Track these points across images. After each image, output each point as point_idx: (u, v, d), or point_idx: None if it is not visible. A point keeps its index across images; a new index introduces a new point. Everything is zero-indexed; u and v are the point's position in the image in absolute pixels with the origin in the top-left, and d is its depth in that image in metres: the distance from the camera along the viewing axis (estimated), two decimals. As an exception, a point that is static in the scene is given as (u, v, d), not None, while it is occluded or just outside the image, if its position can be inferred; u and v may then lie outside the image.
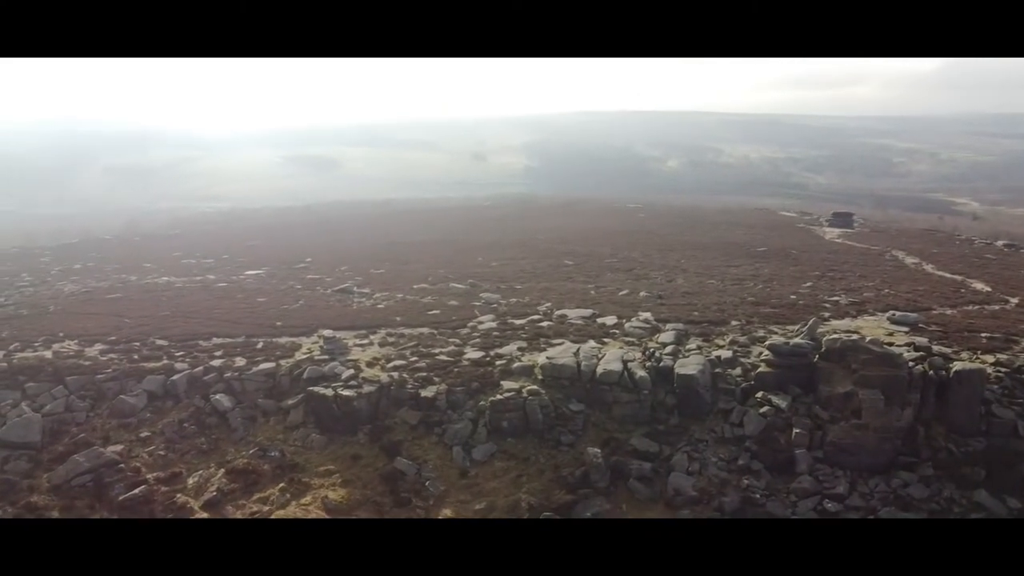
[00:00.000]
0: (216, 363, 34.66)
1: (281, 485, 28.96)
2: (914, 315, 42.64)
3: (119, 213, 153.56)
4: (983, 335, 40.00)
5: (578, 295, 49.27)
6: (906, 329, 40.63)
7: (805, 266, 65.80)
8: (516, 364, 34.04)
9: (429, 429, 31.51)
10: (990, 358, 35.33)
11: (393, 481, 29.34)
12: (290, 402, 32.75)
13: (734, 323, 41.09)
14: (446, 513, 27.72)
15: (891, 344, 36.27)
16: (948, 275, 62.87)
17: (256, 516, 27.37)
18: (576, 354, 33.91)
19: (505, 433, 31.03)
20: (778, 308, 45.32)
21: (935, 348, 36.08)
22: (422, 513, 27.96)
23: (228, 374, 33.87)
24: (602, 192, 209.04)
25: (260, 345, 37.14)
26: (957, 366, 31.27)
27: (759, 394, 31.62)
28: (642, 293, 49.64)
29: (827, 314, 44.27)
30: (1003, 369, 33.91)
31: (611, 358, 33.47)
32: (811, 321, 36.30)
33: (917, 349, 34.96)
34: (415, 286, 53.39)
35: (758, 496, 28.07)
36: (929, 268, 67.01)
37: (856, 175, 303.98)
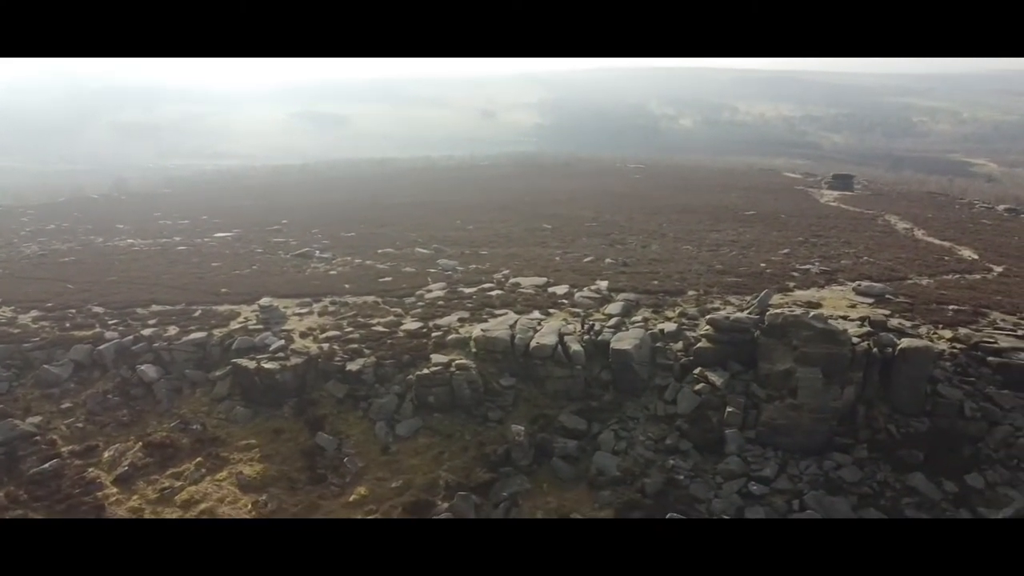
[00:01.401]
0: (147, 332, 33.93)
1: (198, 460, 28.36)
2: (880, 286, 41.11)
3: (122, 170, 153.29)
4: (951, 307, 38.47)
5: (541, 262, 48.03)
6: (871, 301, 39.14)
7: (790, 231, 64.02)
8: (452, 336, 33.05)
9: (356, 403, 30.72)
10: (948, 333, 33.91)
11: (312, 457, 28.68)
12: (217, 373, 32.05)
13: (691, 293, 39.75)
14: (360, 491, 27.03)
15: (847, 317, 34.90)
16: (937, 241, 60.95)
17: (167, 491, 26.84)
18: (512, 327, 32.85)
19: (432, 408, 30.18)
20: (743, 277, 43.84)
21: (893, 322, 34.64)
22: (336, 491, 27.30)
23: (157, 344, 33.16)
24: (610, 151, 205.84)
25: (198, 313, 36.35)
26: (904, 344, 29.85)
27: (697, 370, 30.45)
28: (607, 260, 48.29)
29: (792, 284, 42.81)
30: (959, 346, 32.50)
31: (547, 331, 32.38)
32: (763, 293, 34.94)
33: (872, 324, 33.54)
34: (380, 251, 52.36)
35: (682, 478, 27.10)
36: (919, 234, 64.99)
37: (875, 135, 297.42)
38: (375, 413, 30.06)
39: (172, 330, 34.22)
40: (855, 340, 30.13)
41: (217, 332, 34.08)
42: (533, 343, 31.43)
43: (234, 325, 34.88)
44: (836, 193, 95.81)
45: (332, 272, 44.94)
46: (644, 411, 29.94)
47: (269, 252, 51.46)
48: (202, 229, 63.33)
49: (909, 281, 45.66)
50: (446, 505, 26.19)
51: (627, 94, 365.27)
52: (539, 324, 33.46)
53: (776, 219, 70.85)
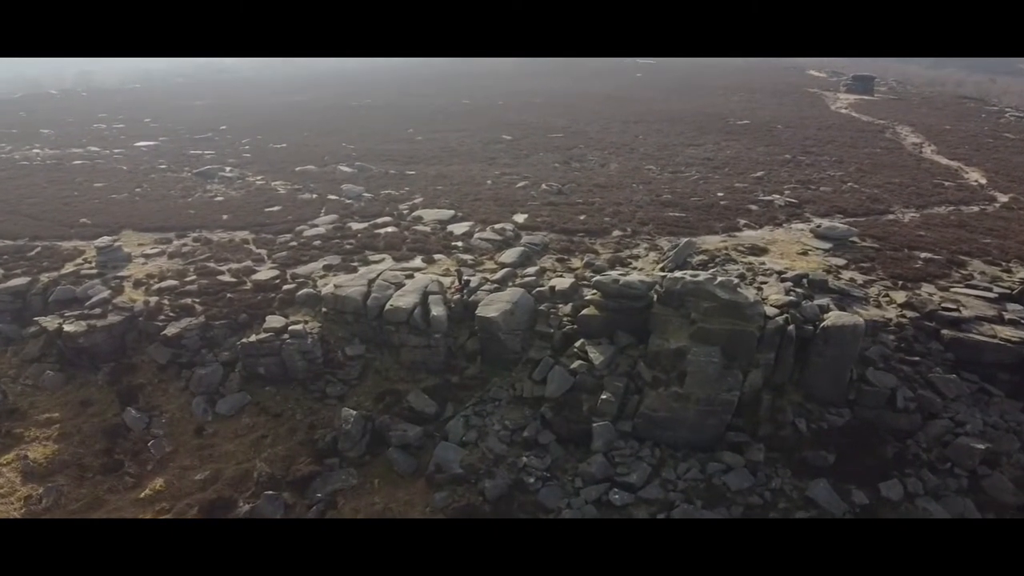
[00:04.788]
0: (-38, 277, 29.61)
1: (-15, 437, 24.49)
2: (844, 227, 34.97)
3: (105, 63, 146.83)
4: (923, 255, 32.62)
5: (467, 187, 42.29)
6: (828, 247, 33.30)
7: (779, 146, 57.01)
8: (304, 291, 28.14)
9: (179, 372, 26.32)
10: (901, 296, 28.17)
11: (115, 437, 24.58)
12: (31, 330, 27.76)
13: (616, 234, 34.20)
14: (157, 484, 22.96)
15: (784, 274, 29.25)
16: (944, 161, 53.72)
17: (-67, 479, 23.07)
18: (371, 282, 27.76)
19: (264, 381, 25.70)
20: (690, 211, 37.90)
21: (843, 278, 29.12)
22: (131, 482, 23.27)
23: (-32, 292, 28.87)
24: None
25: (35, 251, 31.81)
26: (828, 320, 24.19)
27: (578, 343, 25.28)
28: (543, 186, 42.40)
29: (745, 221, 36.92)
30: (909, 314, 26.86)
31: (411, 289, 27.23)
32: (683, 243, 29.31)
33: (809, 284, 27.95)
34: (298, 168, 46.99)
35: (533, 480, 22.45)
36: (928, 151, 57.56)
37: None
38: (195, 385, 25.65)
39: (-6, 274, 29.83)
40: (770, 313, 24.57)
41: (44, 277, 29.59)
42: (388, 304, 26.38)
43: (68, 268, 30.31)
44: (852, 97, 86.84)
45: (219, 198, 39.72)
46: (510, 391, 25.06)
47: (172, 169, 46.30)
48: (128, 136, 58.21)
49: (889, 216, 39.42)
50: (248, 507, 22.07)
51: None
52: (407, 278, 28.30)
53: (769, 131, 63.47)
